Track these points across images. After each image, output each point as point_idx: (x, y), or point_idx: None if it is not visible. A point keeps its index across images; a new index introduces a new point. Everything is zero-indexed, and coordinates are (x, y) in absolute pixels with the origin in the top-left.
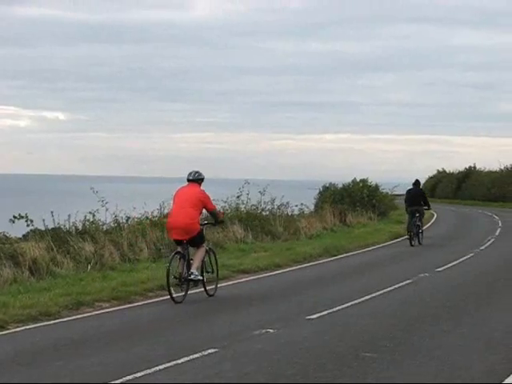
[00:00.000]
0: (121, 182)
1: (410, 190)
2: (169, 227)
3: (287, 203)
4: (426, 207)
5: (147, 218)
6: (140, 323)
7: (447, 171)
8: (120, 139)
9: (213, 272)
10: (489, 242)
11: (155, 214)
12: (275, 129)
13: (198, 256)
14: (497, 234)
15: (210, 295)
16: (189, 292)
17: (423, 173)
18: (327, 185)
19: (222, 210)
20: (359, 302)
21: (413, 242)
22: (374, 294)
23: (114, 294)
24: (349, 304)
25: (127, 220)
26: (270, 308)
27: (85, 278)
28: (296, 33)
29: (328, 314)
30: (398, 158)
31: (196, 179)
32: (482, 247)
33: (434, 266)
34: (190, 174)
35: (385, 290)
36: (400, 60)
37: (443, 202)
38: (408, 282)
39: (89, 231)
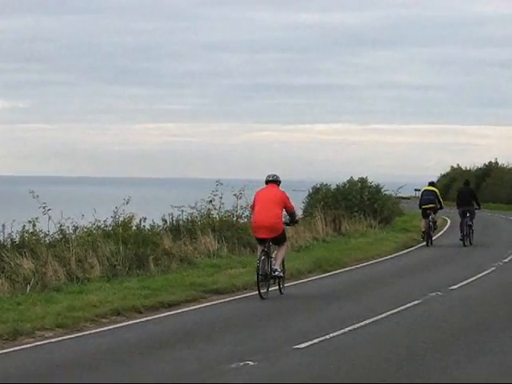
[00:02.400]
0: (67, 184)
1: (460, 189)
2: (255, 226)
3: None
4: (478, 207)
5: (99, 227)
6: (91, 356)
7: (463, 168)
8: (65, 131)
9: (284, 270)
10: None
11: (108, 222)
12: (254, 118)
13: (280, 254)
14: None
15: (282, 293)
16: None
17: (434, 170)
18: (318, 185)
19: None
20: (357, 328)
21: (466, 243)
22: (374, 318)
23: (60, 320)
24: (344, 330)
25: (75, 230)
26: (250, 336)
27: (23, 302)
28: (281, 1)
29: (319, 342)
30: (404, 153)
31: (275, 180)
32: (506, 260)
33: (447, 283)
34: (269, 176)
35: (388, 313)
36: (406, 33)
37: None
38: (416, 302)
39: (28, 244)
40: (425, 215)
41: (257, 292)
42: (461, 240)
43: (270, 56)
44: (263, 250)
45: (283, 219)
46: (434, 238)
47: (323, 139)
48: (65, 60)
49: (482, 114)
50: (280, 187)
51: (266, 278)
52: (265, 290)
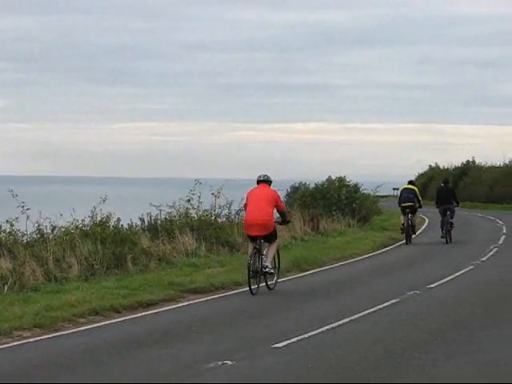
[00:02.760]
0: (46, 184)
1: (440, 188)
2: (247, 224)
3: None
4: (456, 205)
5: (77, 227)
6: (69, 356)
7: (441, 167)
8: (46, 131)
9: (275, 267)
10: (491, 253)
11: (86, 222)
12: (234, 117)
13: (271, 251)
14: (500, 242)
15: (271, 289)
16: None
17: (413, 169)
18: (296, 185)
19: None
20: (335, 327)
21: (447, 240)
22: (352, 317)
23: (37, 320)
24: (323, 329)
25: (53, 230)
26: (228, 335)
27: (1, 302)
28: (262, 0)
29: (298, 341)
30: (384, 152)
31: (266, 180)
32: (483, 258)
33: (425, 281)
34: (261, 176)
35: (366, 312)
36: (388, 33)
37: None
38: (394, 301)
39: (5, 244)
40: (404, 213)
41: (234, 291)
42: (442, 237)
43: (251, 55)
44: (254, 248)
45: (275, 219)
46: (413, 236)
47: (302, 138)
48: (47, 60)
49: (462, 113)
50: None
51: (256, 274)
52: (255, 286)
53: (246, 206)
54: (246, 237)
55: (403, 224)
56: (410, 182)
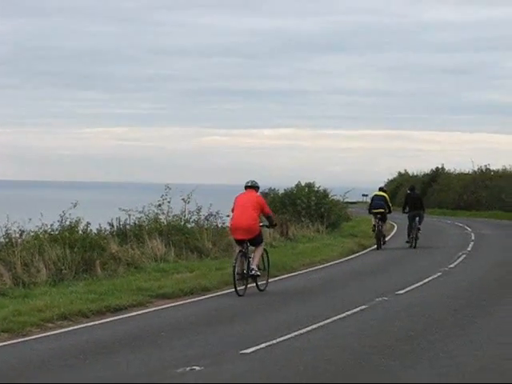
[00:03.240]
0: (13, 188)
1: (409, 194)
2: (233, 228)
3: (217, 213)
4: (423, 211)
5: (45, 231)
6: (36, 361)
7: (410, 173)
8: (13, 135)
9: (264, 269)
10: (459, 259)
11: (55, 226)
12: (203, 123)
13: (257, 254)
14: (469, 249)
15: (261, 290)
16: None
17: (383, 175)
18: (266, 190)
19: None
20: (303, 333)
21: (413, 245)
22: (321, 323)
23: (5, 325)
24: (292, 335)
25: (21, 234)
26: (197, 341)
27: None
28: (232, 6)
29: (266, 347)
30: (354, 158)
31: (253, 186)
32: (452, 265)
33: (393, 288)
34: (248, 182)
35: (334, 318)
36: (357, 39)
37: None
38: (362, 307)
39: None
40: (375, 217)
41: (203, 297)
42: (407, 242)
43: (221, 61)
44: (240, 251)
45: (262, 222)
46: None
47: (271, 144)
48: (16, 63)
49: (430, 120)
50: (258, 192)
51: (242, 276)
52: (242, 287)
53: (233, 210)
54: (215, 241)
55: (374, 225)
56: (381, 189)
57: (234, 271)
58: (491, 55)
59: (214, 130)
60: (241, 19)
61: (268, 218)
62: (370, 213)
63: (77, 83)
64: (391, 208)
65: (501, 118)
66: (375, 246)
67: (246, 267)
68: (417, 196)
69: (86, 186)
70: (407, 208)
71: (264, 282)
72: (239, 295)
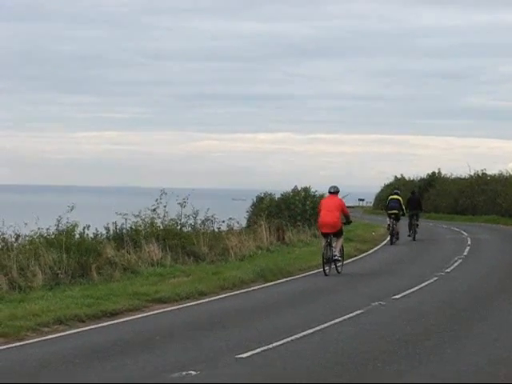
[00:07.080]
0: (8, 192)
1: (410, 197)
2: (321, 225)
3: (213, 217)
4: (420, 210)
5: (41, 235)
6: (32, 365)
7: (407, 178)
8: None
9: (341, 256)
10: (455, 264)
11: (51, 231)
12: (197, 127)
13: (338, 244)
14: (465, 253)
15: (339, 272)
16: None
17: (377, 180)
18: (262, 195)
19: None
20: (300, 338)
21: (411, 236)
22: (317, 328)
23: (1, 329)
24: (287, 340)
25: (17, 239)
26: (193, 345)
27: None
28: (225, 10)
29: (262, 351)
30: (348, 163)
31: (336, 192)
32: (448, 270)
33: (390, 292)
34: (331, 187)
35: (331, 323)
36: (350, 44)
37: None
38: (359, 312)
39: None
40: (390, 217)
41: (199, 301)
42: (409, 236)
43: (213, 65)
44: (326, 242)
45: (341, 220)
46: (378, 246)
47: (266, 149)
48: (7, 67)
49: (425, 125)
50: (339, 195)
51: (328, 260)
52: (328, 268)
53: (319, 211)
54: (211, 245)
55: (389, 225)
56: (396, 193)
57: (323, 257)
58: (484, 60)
59: (207, 134)
60: (233, 24)
61: (346, 216)
62: (387, 212)
63: (69, 87)
64: (404, 210)
65: (493, 123)
66: (374, 248)
67: (330, 254)
68: (416, 198)
69: (79, 190)
70: (408, 208)
71: (340, 265)
72: (326, 275)
